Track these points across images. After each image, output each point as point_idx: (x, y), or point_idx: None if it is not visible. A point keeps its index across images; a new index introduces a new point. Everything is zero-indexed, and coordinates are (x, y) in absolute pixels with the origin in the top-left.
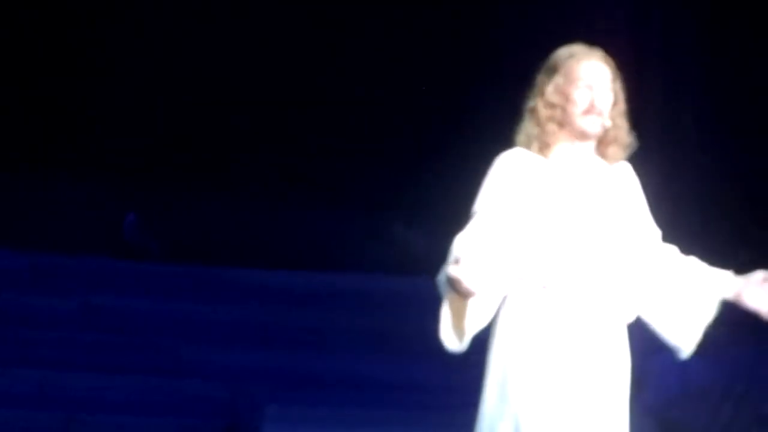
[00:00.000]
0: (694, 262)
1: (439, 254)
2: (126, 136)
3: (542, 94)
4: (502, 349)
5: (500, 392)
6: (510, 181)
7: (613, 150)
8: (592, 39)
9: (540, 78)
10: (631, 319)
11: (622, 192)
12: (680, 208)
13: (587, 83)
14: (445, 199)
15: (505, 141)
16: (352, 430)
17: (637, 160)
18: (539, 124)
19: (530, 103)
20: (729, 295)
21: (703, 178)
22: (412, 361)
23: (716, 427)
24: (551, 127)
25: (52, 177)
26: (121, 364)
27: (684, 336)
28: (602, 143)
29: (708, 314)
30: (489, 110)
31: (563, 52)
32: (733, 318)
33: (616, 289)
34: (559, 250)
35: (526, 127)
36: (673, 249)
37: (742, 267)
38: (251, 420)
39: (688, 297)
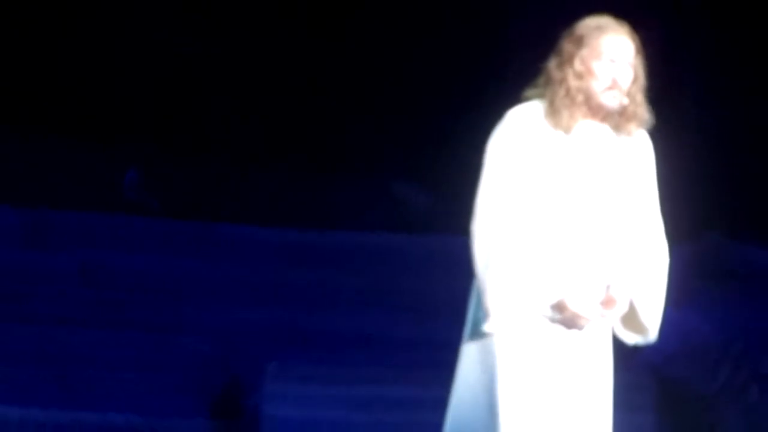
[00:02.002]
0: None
1: (441, 212)
2: (127, 91)
3: (571, 64)
4: (482, 314)
5: (480, 353)
6: (530, 152)
7: (631, 126)
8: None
9: (567, 47)
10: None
11: (636, 169)
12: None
13: (610, 57)
14: (447, 158)
15: (508, 101)
16: (352, 387)
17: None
18: (569, 94)
19: (557, 72)
20: None
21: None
22: (413, 318)
23: (715, 384)
24: (580, 97)
25: (52, 133)
26: (120, 321)
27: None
28: (621, 118)
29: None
30: (492, 71)
31: (590, 23)
32: (733, 276)
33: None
34: (563, 229)
35: (553, 96)
36: (652, 254)
37: None
38: (251, 377)
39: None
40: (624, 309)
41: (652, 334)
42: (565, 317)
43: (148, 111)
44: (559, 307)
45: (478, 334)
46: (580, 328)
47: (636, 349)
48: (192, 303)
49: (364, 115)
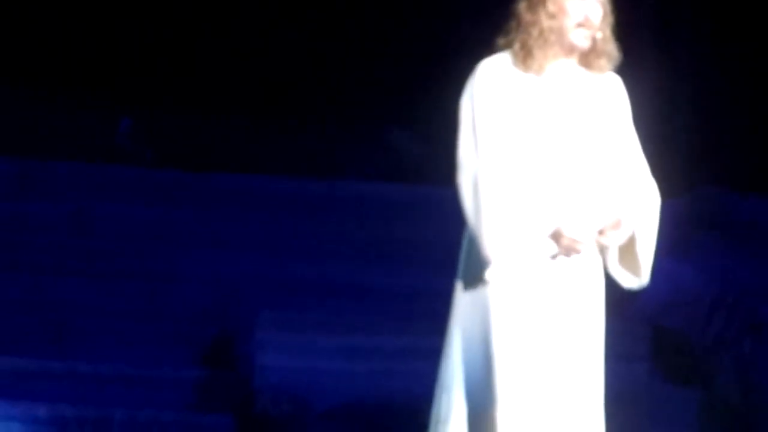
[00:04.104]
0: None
1: (434, 161)
2: (119, 41)
3: (544, 5)
4: (473, 263)
5: (473, 302)
6: (505, 99)
7: (602, 62)
8: None
9: None
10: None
11: (611, 105)
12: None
13: None
14: (440, 107)
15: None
16: (345, 336)
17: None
18: (542, 35)
19: (528, 14)
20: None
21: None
22: (407, 268)
23: (708, 334)
24: (553, 37)
25: (42, 83)
26: (113, 270)
27: (615, 266)
28: (591, 55)
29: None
30: (483, 18)
31: None
32: (727, 226)
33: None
34: (548, 166)
35: (525, 38)
36: (640, 188)
37: None
38: (244, 327)
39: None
40: (628, 233)
41: (645, 275)
42: (564, 245)
43: (140, 60)
44: (556, 236)
45: (472, 282)
46: (578, 253)
47: (631, 297)
48: (184, 253)
49: (357, 63)
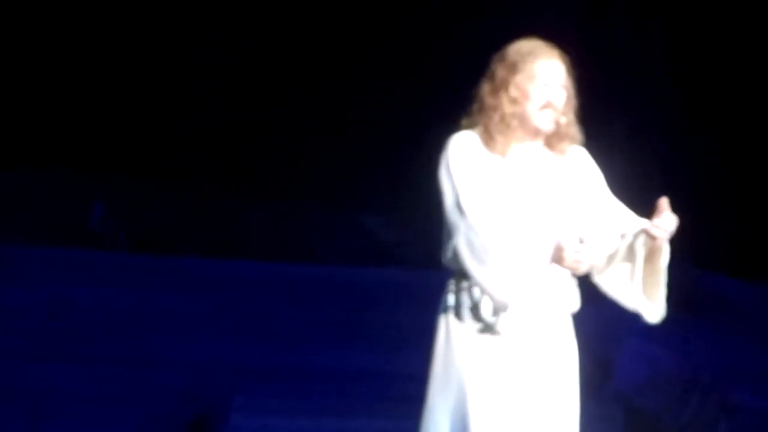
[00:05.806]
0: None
1: (408, 245)
2: (92, 126)
3: (506, 90)
4: (446, 335)
5: (443, 379)
6: (476, 170)
7: (564, 145)
8: (558, 35)
9: (500, 73)
10: (575, 308)
11: (580, 179)
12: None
13: (544, 81)
14: (413, 190)
15: None
16: (321, 420)
17: (600, 154)
18: (504, 120)
19: (490, 98)
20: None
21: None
22: (380, 350)
23: (684, 415)
24: (514, 122)
25: (18, 168)
26: (87, 355)
27: (639, 295)
28: (554, 138)
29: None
30: (458, 103)
31: (522, 48)
32: (700, 306)
33: (564, 279)
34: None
35: (487, 121)
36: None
37: None
38: (219, 410)
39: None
40: (669, 233)
41: (662, 302)
42: (568, 260)
43: (114, 144)
44: (557, 253)
45: (447, 360)
46: (582, 266)
47: (604, 379)
48: (159, 337)
49: (332, 147)
